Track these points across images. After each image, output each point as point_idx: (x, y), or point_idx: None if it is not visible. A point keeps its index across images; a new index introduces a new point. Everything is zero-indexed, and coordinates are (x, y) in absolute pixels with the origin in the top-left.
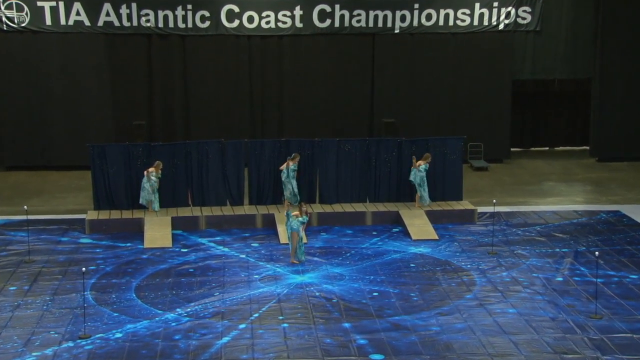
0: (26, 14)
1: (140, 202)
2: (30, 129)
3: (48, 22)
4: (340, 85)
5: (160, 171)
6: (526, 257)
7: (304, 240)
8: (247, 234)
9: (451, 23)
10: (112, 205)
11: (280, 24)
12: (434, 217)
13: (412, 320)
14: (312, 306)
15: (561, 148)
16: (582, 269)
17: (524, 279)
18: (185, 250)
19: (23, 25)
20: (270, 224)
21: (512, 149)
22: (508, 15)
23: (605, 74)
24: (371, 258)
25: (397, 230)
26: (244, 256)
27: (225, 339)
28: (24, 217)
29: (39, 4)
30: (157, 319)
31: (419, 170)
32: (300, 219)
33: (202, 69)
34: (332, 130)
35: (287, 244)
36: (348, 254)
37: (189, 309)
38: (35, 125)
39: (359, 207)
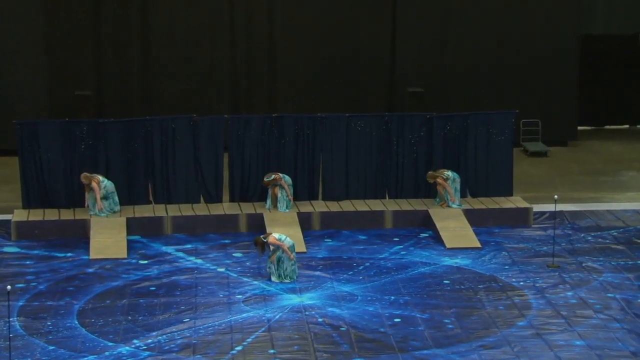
0: None
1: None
2: None
3: None
4: (350, 43)
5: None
6: (598, 272)
7: (285, 249)
8: (227, 241)
9: None
10: (47, 203)
11: None
12: (476, 218)
13: (447, 356)
14: (313, 336)
15: None
16: None
17: (596, 301)
18: (145, 262)
19: None
20: (257, 227)
21: (579, 128)
22: None
23: None
24: (392, 272)
25: (426, 235)
26: (222, 270)
27: None
28: None
29: None
30: (107, 353)
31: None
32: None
33: (167, 21)
34: (339, 103)
35: None
36: (361, 267)
37: (149, 340)
38: None
39: (375, 205)
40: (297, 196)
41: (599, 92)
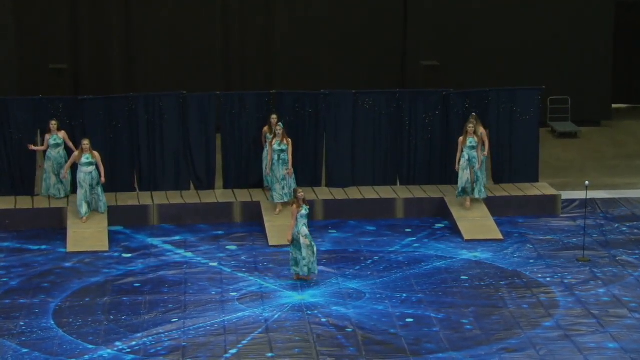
0: None
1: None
2: None
3: None
4: (357, 11)
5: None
6: (634, 266)
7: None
8: (220, 232)
9: None
10: (18, 189)
11: None
12: (497, 207)
13: (464, 359)
14: (316, 338)
15: None
16: None
17: (631, 298)
18: (129, 255)
19: None
20: (253, 216)
21: (614, 106)
22: None
23: None
24: (403, 267)
25: (442, 226)
26: (215, 264)
27: None
28: None
29: None
30: (86, 357)
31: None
32: (302, 212)
33: None
34: (345, 79)
35: (279, 246)
36: (369, 262)
37: (134, 343)
38: None
39: (385, 193)
40: (298, 182)
41: (635, 66)
